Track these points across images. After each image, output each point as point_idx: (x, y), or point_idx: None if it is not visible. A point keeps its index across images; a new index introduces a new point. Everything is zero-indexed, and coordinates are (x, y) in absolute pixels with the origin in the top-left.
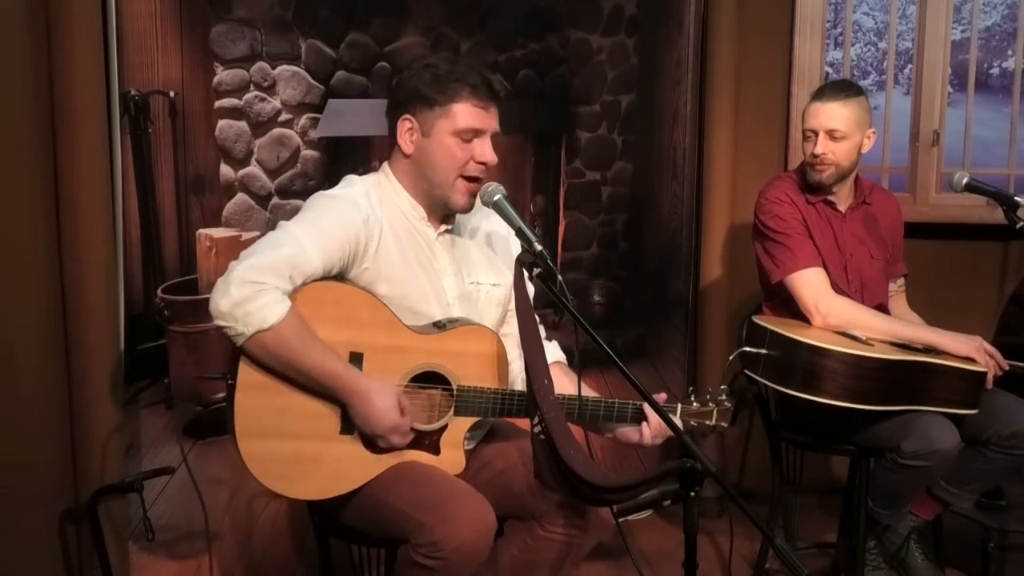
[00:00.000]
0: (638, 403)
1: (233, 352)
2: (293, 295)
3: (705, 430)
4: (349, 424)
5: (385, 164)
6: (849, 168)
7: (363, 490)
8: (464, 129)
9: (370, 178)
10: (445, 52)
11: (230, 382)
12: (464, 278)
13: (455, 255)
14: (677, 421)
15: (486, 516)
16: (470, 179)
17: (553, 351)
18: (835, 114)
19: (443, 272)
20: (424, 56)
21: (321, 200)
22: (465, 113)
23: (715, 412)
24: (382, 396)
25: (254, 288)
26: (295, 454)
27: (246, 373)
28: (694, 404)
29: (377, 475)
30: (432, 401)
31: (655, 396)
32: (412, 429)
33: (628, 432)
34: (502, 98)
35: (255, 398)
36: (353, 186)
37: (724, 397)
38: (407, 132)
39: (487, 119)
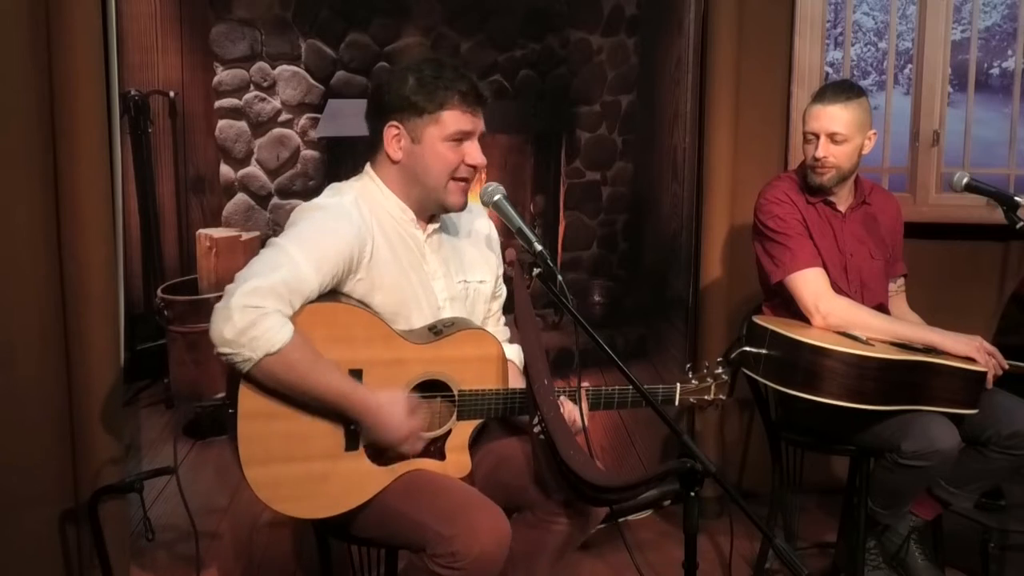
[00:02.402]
0: (611, 390)
1: (232, 380)
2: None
3: (704, 404)
4: (354, 440)
5: (368, 167)
6: (850, 170)
7: (374, 500)
8: (454, 133)
9: (356, 184)
10: (428, 55)
11: (231, 411)
12: (453, 278)
13: (444, 256)
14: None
15: (503, 526)
16: (461, 179)
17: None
18: (836, 117)
19: (433, 275)
20: (394, 55)
21: (312, 213)
22: (454, 119)
23: (713, 387)
24: (392, 409)
25: (257, 313)
26: (302, 476)
27: (247, 401)
28: (692, 382)
29: (386, 486)
30: (434, 408)
31: None
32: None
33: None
34: (486, 99)
35: (258, 425)
36: (343, 194)
37: (720, 371)
38: (394, 139)
39: (475, 122)
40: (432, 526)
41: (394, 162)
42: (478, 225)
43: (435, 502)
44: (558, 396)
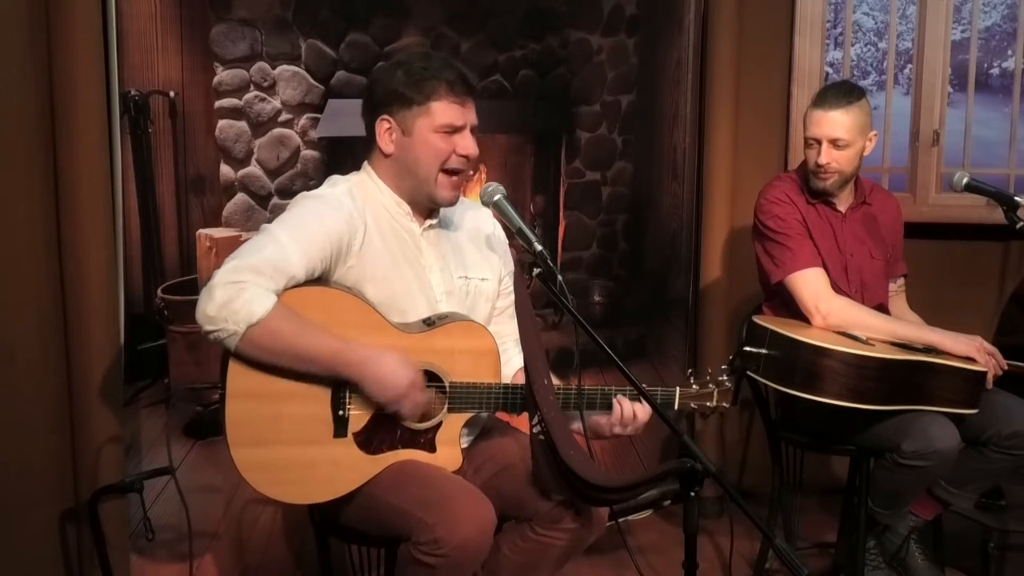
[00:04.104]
0: (608, 389)
1: (222, 362)
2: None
3: (706, 411)
4: (342, 427)
5: (366, 163)
6: (852, 173)
7: (362, 490)
8: (444, 125)
9: (353, 177)
10: (417, 49)
11: (220, 392)
12: (452, 273)
13: (442, 250)
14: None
15: (487, 513)
16: (452, 172)
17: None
18: (838, 122)
19: (430, 268)
20: (393, 55)
21: (304, 201)
22: (444, 110)
23: (716, 393)
24: (388, 359)
25: (237, 287)
26: (289, 460)
27: (235, 382)
28: (694, 387)
29: (374, 475)
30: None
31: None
32: (407, 428)
33: (599, 418)
34: (477, 90)
35: (246, 407)
36: (336, 185)
37: (724, 377)
38: (386, 132)
39: (466, 113)
40: (415, 514)
41: (386, 156)
42: (481, 223)
43: (419, 490)
44: (615, 394)
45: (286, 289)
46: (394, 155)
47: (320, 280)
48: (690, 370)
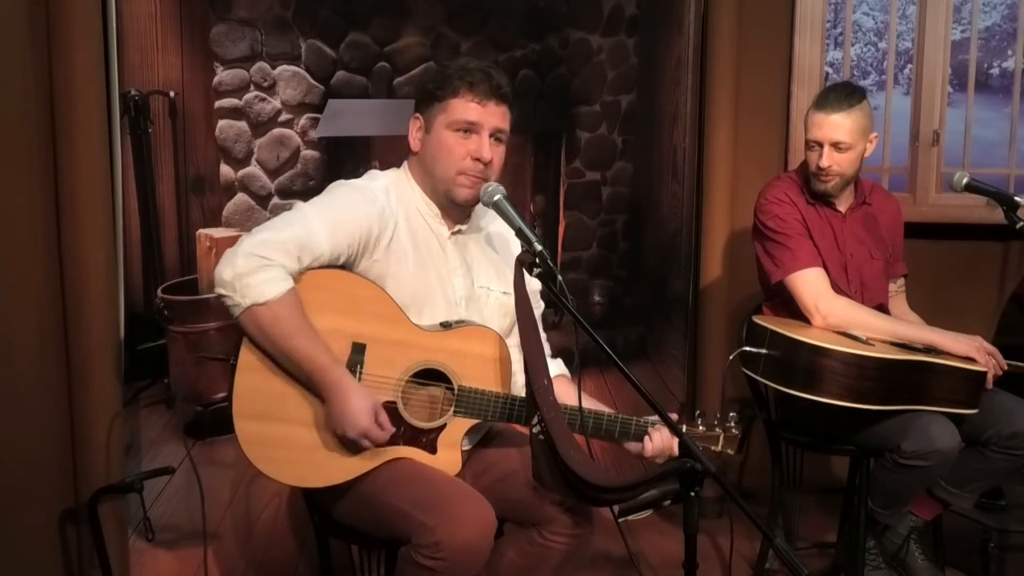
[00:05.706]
0: (643, 420)
1: (238, 334)
2: (302, 280)
3: (711, 457)
4: None
5: (405, 162)
6: (853, 175)
7: (361, 487)
8: (458, 121)
9: (391, 174)
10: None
11: (232, 363)
12: (474, 281)
13: (466, 257)
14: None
15: (487, 516)
16: (469, 175)
17: (557, 366)
18: (840, 126)
19: (453, 272)
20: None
21: (341, 188)
22: (460, 107)
23: (722, 438)
24: (360, 398)
25: (260, 262)
26: (291, 439)
27: (248, 354)
28: (700, 427)
29: (373, 470)
30: (432, 399)
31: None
32: (411, 425)
33: (631, 444)
34: (505, 95)
35: (255, 379)
36: (375, 180)
37: (732, 424)
38: (416, 130)
39: (484, 114)
40: (416, 516)
41: (414, 153)
42: (508, 238)
43: (420, 492)
44: (650, 425)
45: (310, 268)
46: (420, 152)
47: (344, 267)
48: (698, 412)
